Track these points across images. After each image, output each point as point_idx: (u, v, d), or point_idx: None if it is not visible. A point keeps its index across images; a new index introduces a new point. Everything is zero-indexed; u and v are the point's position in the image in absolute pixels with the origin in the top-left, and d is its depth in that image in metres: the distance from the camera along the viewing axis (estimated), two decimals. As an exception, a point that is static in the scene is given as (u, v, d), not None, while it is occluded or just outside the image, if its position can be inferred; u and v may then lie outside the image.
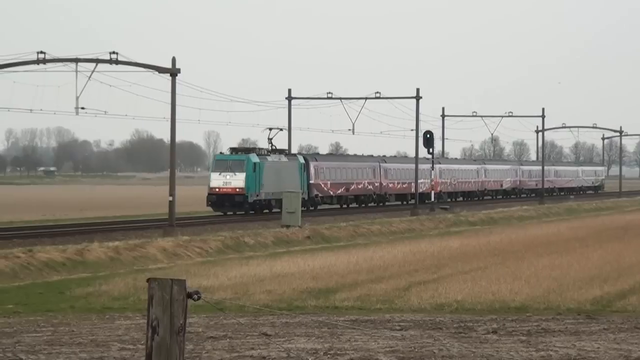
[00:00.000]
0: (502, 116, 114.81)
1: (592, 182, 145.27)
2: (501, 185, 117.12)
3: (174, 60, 52.64)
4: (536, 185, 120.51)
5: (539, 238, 50.63)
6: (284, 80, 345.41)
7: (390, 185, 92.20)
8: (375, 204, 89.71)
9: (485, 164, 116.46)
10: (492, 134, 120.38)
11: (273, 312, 22.84)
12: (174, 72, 52.71)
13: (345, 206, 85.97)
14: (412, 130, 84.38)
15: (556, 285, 28.36)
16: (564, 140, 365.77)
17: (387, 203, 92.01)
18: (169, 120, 53.27)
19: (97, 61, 54.77)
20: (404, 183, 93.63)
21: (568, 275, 30.92)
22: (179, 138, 59.64)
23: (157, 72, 53.70)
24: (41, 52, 55.31)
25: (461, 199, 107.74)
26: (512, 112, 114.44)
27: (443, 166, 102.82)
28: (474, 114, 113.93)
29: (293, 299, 25.84)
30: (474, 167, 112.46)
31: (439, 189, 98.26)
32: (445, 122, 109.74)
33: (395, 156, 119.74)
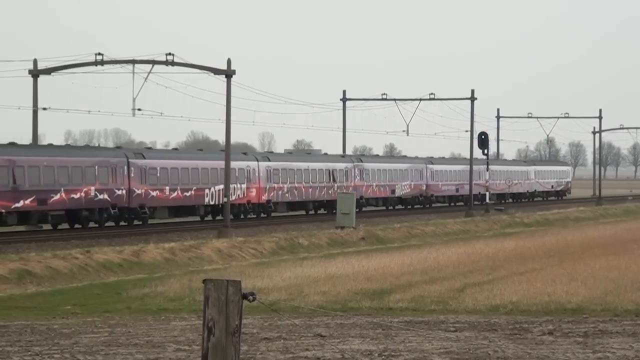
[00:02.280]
0: (558, 117, 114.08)
1: (553, 186, 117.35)
2: (393, 192, 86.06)
3: (229, 61, 52.88)
4: (457, 191, 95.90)
5: (595, 239, 50.19)
6: (338, 82, 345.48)
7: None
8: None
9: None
10: (547, 135, 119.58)
11: (327, 313, 22.87)
12: (229, 74, 52.95)
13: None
14: (466, 131, 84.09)
15: (613, 287, 28.10)
16: (622, 142, 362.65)
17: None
18: (224, 121, 53.52)
19: (154, 62, 55.19)
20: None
21: (626, 277, 30.61)
22: (233, 139, 59.98)
23: (212, 74, 53.99)
24: (99, 54, 55.90)
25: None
26: (568, 113, 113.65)
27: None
28: (529, 115, 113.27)
29: (347, 300, 25.85)
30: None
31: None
32: (500, 123, 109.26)
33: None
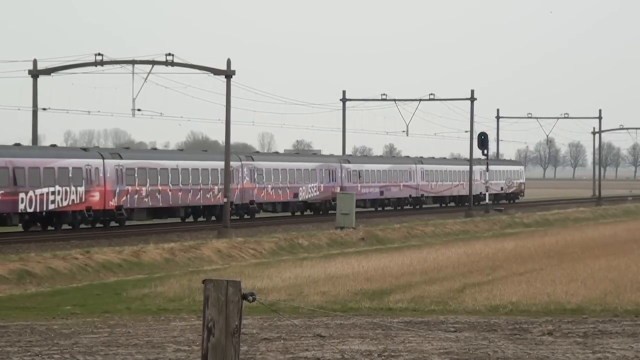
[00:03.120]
0: (558, 117, 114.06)
1: (503, 188, 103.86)
2: (296, 195, 72.33)
3: (229, 62, 52.89)
4: (382, 194, 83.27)
5: (595, 239, 50.19)
6: (338, 82, 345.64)
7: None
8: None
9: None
10: (547, 136, 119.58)
11: (327, 313, 22.87)
12: (229, 74, 52.96)
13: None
14: (466, 131, 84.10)
15: (613, 287, 28.11)
16: (622, 142, 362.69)
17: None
18: (224, 122, 53.52)
19: (153, 63, 55.19)
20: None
21: (625, 277, 30.61)
22: (233, 139, 59.99)
23: (212, 74, 54.00)
24: (99, 54, 55.90)
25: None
26: (568, 114, 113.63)
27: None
28: (529, 115, 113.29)
29: (347, 301, 25.86)
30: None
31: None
32: (500, 123, 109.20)
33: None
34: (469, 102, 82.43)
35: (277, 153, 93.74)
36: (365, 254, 42.31)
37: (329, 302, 25.52)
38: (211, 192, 62.95)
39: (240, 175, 66.16)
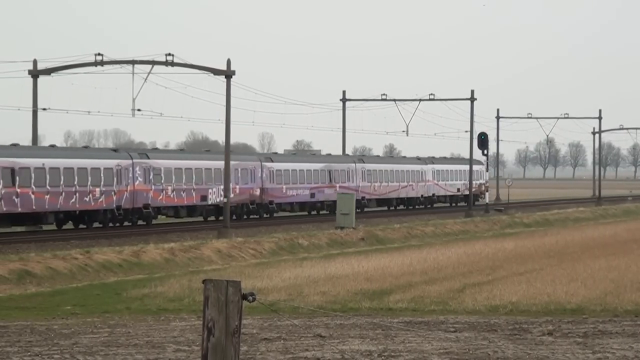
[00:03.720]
0: (558, 117, 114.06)
1: (461, 189, 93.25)
2: (204, 198, 63.49)
3: (229, 62, 52.90)
4: (313, 196, 73.46)
5: (595, 239, 50.20)
6: (338, 82, 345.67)
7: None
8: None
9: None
10: (547, 136, 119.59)
11: (327, 313, 22.87)
12: (229, 74, 52.96)
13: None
14: (466, 131, 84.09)
15: (613, 287, 28.11)
16: (622, 142, 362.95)
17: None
18: (224, 122, 53.53)
19: (153, 63, 55.19)
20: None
21: (625, 277, 30.62)
22: (233, 140, 59.97)
23: (212, 74, 54.00)
24: (99, 54, 55.91)
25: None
26: (568, 114, 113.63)
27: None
28: (529, 115, 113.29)
29: (347, 301, 25.86)
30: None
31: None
32: (500, 123, 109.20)
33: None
34: (469, 102, 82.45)
35: (181, 150, 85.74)
36: (365, 254, 42.31)
37: (329, 302, 25.52)
38: (91, 196, 54.78)
39: (130, 175, 57.76)
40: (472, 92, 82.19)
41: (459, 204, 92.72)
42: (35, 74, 58.16)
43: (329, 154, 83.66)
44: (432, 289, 28.10)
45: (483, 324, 21.49)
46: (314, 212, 73.81)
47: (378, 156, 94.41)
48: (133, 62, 55.59)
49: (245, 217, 66.62)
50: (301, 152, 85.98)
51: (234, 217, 63.67)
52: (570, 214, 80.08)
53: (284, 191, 70.11)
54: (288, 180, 70.66)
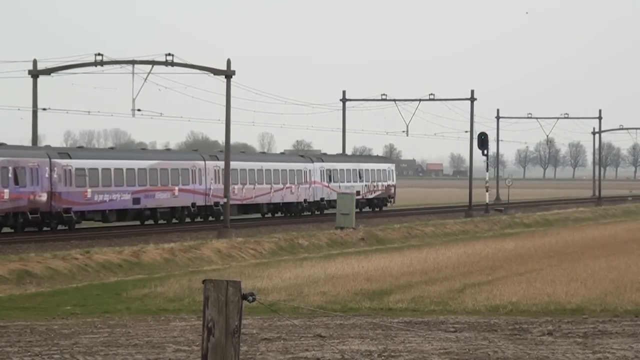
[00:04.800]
0: (558, 118, 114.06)
1: (362, 192, 78.62)
2: None
3: (228, 62, 52.91)
4: (138, 202, 58.43)
5: (595, 240, 50.20)
6: (338, 82, 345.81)
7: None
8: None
9: None
10: (547, 136, 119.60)
11: (327, 313, 22.87)
12: (228, 74, 52.97)
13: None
14: (466, 131, 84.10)
15: (613, 287, 28.11)
16: (622, 142, 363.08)
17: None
18: (224, 122, 53.54)
19: (153, 63, 55.20)
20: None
21: (625, 277, 30.62)
22: (233, 140, 59.93)
23: (212, 74, 54.01)
24: (98, 54, 55.91)
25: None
26: (568, 114, 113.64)
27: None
28: (529, 115, 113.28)
29: (347, 301, 25.86)
30: None
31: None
32: (500, 123, 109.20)
33: (243, 153, 79.26)
34: (469, 102, 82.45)
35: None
36: (365, 254, 42.31)
37: (329, 302, 25.52)
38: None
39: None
40: (472, 92, 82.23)
41: (363, 210, 77.51)
42: (35, 74, 58.16)
43: (168, 149, 67.88)
44: (432, 289, 28.10)
45: (483, 324, 21.49)
46: (151, 222, 59.70)
47: (242, 152, 79.20)
48: (133, 62, 55.59)
49: (25, 229, 51.63)
50: (123, 147, 65.17)
51: (12, 230, 50.83)
52: (570, 214, 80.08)
53: (89, 196, 54.78)
54: (96, 181, 55.53)
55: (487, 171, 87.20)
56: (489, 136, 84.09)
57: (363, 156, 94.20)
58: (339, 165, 76.86)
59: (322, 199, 74.39)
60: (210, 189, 63.47)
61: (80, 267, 34.91)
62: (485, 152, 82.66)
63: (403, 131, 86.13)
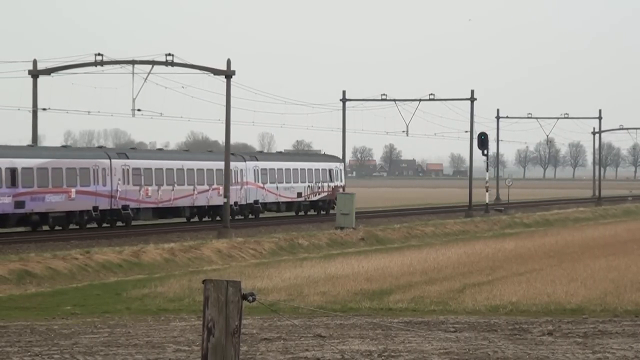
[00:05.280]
0: (558, 118, 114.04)
1: (303, 194, 72.53)
2: None
3: (228, 62, 52.91)
4: (20, 206, 50.92)
5: (595, 240, 50.20)
6: (338, 82, 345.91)
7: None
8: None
9: None
10: (547, 136, 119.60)
11: (327, 313, 22.87)
12: (229, 74, 52.98)
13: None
14: (466, 131, 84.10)
15: (613, 287, 28.11)
16: (622, 142, 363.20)
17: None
18: (224, 122, 53.55)
19: (153, 63, 55.19)
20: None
21: (625, 277, 30.62)
22: (233, 140, 59.91)
23: (212, 74, 54.01)
24: (99, 55, 55.91)
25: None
26: (568, 114, 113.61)
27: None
28: (529, 115, 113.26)
29: (347, 301, 25.86)
30: None
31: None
32: (500, 123, 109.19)
33: (161, 149, 74.14)
34: (469, 102, 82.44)
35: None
36: (365, 254, 42.31)
37: (328, 302, 25.52)
38: None
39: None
40: (472, 92, 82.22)
41: (308, 214, 72.42)
42: (35, 74, 58.15)
43: (65, 146, 60.23)
44: (432, 289, 28.10)
45: (483, 324, 21.49)
46: (47, 229, 52.91)
47: (160, 149, 72.80)
48: (133, 62, 55.59)
49: None
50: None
51: None
52: (570, 214, 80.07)
53: None
54: None
55: (487, 171, 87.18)
56: (489, 136, 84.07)
57: (306, 154, 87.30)
58: (277, 165, 69.84)
59: (256, 202, 68.02)
60: (117, 190, 56.53)
61: (80, 267, 34.91)
62: (485, 152, 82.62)
63: (403, 131, 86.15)
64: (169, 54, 53.74)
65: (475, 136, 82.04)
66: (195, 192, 62.58)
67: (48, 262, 34.31)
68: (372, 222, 62.72)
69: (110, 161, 56.90)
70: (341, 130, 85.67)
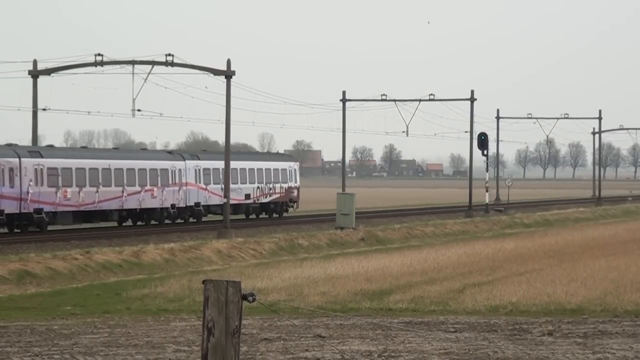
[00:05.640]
0: (558, 118, 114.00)
1: (253, 196, 68.22)
2: None
3: (228, 62, 52.91)
4: None
5: (595, 240, 50.20)
6: (338, 82, 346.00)
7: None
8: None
9: None
10: (547, 136, 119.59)
11: (327, 313, 22.86)
12: (228, 74, 52.98)
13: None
14: (466, 132, 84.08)
15: (613, 287, 28.10)
16: (622, 142, 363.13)
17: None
18: (224, 122, 53.55)
19: (153, 63, 55.19)
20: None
21: (626, 277, 30.62)
22: (233, 140, 59.90)
23: (212, 74, 54.00)
24: (99, 55, 55.90)
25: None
26: (568, 114, 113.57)
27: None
28: (529, 115, 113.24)
29: (347, 301, 25.86)
30: None
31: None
32: (500, 123, 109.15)
33: (85, 147, 68.75)
34: (469, 102, 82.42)
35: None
36: (365, 254, 42.31)
37: (328, 302, 25.52)
38: None
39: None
40: (472, 92, 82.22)
41: (260, 217, 68.88)
42: (35, 74, 58.15)
43: None
44: (432, 289, 28.09)
45: (483, 324, 21.49)
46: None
47: (84, 147, 67.21)
48: (133, 62, 55.58)
49: None
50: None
51: None
52: (570, 214, 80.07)
53: None
54: None
55: (487, 171, 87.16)
56: (489, 136, 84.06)
57: (257, 153, 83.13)
58: (222, 164, 59.29)
59: (197, 204, 62.58)
60: (28, 192, 51.33)
61: (80, 267, 34.91)
62: (485, 152, 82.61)
63: (403, 131, 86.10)
64: (169, 54, 53.77)
65: (475, 136, 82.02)
66: (125, 193, 57.21)
67: (48, 262, 34.30)
68: (372, 222, 62.72)
69: (20, 160, 51.29)
70: (341, 130, 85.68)
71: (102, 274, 35.00)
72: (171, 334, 20.14)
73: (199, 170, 63.26)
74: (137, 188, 58.18)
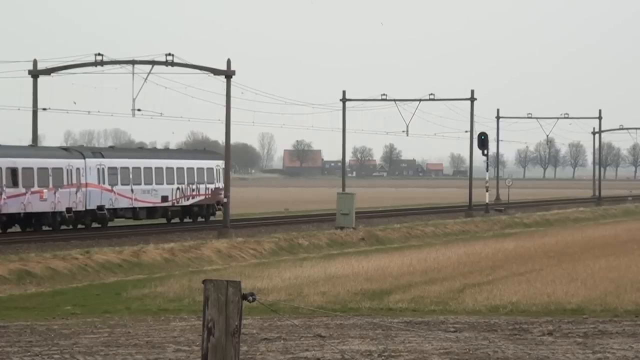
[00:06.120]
0: (558, 118, 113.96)
1: (172, 198, 60.30)
2: None
3: (229, 62, 52.91)
4: None
5: (595, 240, 50.19)
6: (338, 82, 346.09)
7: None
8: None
9: None
10: (547, 136, 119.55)
11: (327, 313, 22.86)
12: (229, 74, 52.97)
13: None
14: (466, 131, 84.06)
15: (613, 287, 28.10)
16: (622, 142, 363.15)
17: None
18: (224, 122, 53.54)
19: (153, 63, 55.18)
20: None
21: (625, 277, 30.61)
22: (233, 139, 59.89)
23: (212, 74, 54.00)
24: (99, 54, 55.90)
25: None
26: (568, 114, 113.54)
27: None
28: (529, 115, 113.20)
29: (347, 301, 25.85)
30: None
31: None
32: (500, 123, 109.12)
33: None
34: (469, 102, 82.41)
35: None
36: (365, 254, 42.30)
37: (328, 302, 25.51)
38: None
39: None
40: (472, 92, 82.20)
41: (184, 222, 61.50)
42: (35, 74, 58.13)
43: None
44: (432, 289, 28.09)
45: (483, 324, 21.49)
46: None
47: None
48: (133, 62, 55.58)
49: None
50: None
51: None
52: (570, 214, 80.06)
53: None
54: None
55: (487, 171, 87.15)
56: (489, 136, 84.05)
57: (177, 151, 75.21)
58: (131, 163, 56.24)
59: (100, 207, 54.94)
60: None
61: (80, 267, 34.90)
62: (485, 152, 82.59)
63: (403, 131, 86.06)
64: (169, 54, 53.76)
65: (475, 136, 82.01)
66: (4, 196, 49.17)
67: (48, 262, 34.30)
68: (372, 222, 62.70)
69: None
70: (341, 130, 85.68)
71: (102, 274, 34.99)
72: (171, 334, 20.13)
73: (103, 169, 55.58)
74: (22, 190, 50.05)
